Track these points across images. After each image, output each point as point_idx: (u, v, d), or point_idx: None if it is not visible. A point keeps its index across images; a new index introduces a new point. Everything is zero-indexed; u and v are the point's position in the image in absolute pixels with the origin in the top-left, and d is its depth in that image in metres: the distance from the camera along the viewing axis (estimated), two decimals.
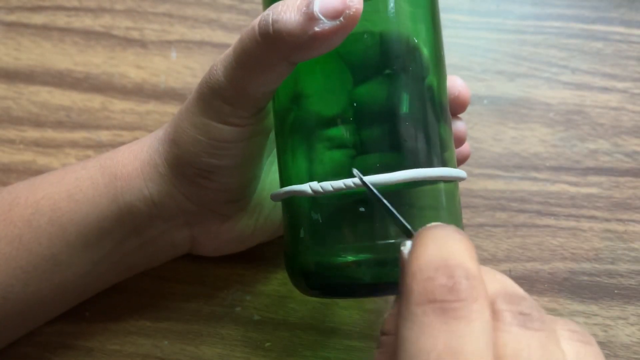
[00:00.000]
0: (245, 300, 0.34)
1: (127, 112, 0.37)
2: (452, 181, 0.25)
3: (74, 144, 0.37)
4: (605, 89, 0.38)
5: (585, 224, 0.35)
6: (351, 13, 0.22)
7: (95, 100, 0.37)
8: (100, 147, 0.37)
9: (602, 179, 0.36)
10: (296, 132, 0.25)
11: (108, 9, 0.39)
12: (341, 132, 0.24)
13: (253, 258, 0.33)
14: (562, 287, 0.34)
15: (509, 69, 0.38)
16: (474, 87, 0.38)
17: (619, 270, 0.34)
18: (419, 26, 0.25)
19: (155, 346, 0.33)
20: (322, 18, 0.22)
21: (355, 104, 0.24)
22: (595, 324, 0.33)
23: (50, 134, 0.37)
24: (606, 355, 0.33)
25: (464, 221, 0.35)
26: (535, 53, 0.38)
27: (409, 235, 0.20)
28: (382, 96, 0.24)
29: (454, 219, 0.26)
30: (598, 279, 0.34)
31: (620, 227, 0.35)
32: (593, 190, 0.36)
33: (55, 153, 0.37)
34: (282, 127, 0.26)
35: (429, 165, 0.24)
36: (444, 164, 0.25)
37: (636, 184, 0.36)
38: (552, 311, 0.34)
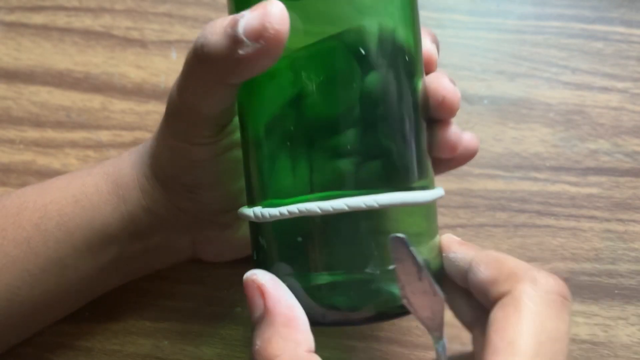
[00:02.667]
0: (245, 300, 0.34)
1: (127, 112, 0.37)
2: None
3: (73, 144, 0.37)
4: (605, 89, 0.37)
5: (585, 224, 0.35)
6: (271, 35, 0.20)
7: (95, 100, 0.37)
8: (100, 147, 0.37)
9: (603, 179, 0.36)
10: (272, 135, 0.24)
11: (108, 9, 0.39)
12: (340, 135, 0.23)
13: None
14: None
15: (509, 69, 0.38)
16: (474, 87, 0.38)
17: (619, 270, 0.34)
18: (409, 17, 0.24)
19: (156, 346, 0.33)
20: (246, 40, 0.20)
21: (344, 102, 0.22)
22: (596, 324, 0.33)
23: (50, 134, 0.37)
24: (606, 356, 0.33)
25: (465, 221, 0.35)
26: (535, 53, 0.38)
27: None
28: (372, 94, 0.23)
29: (430, 225, 0.25)
30: (598, 279, 0.34)
31: (620, 227, 0.35)
32: (593, 190, 0.36)
33: (55, 153, 0.37)
34: (258, 137, 0.24)
35: (410, 183, 0.23)
36: (424, 180, 0.24)
37: (636, 184, 0.36)
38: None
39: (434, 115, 0.25)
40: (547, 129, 0.37)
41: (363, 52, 0.23)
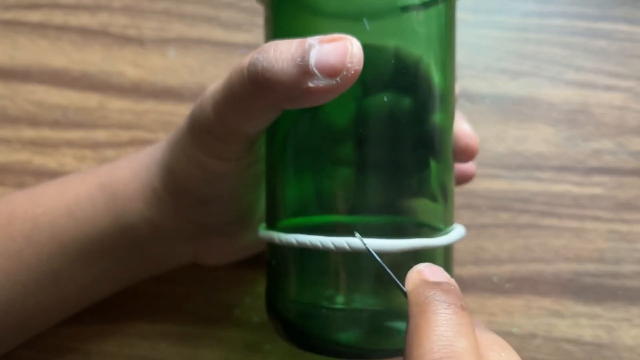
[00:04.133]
0: (244, 302, 0.33)
1: (125, 111, 0.37)
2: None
3: (70, 143, 0.36)
4: (609, 88, 0.37)
5: (589, 225, 0.35)
6: (349, 75, 0.20)
7: (92, 99, 0.37)
8: (98, 146, 0.36)
9: (606, 179, 0.36)
10: (294, 155, 0.24)
11: (105, 6, 0.39)
12: (337, 152, 0.23)
13: (252, 260, 0.33)
14: (566, 289, 0.34)
15: (512, 67, 0.37)
16: (477, 85, 0.37)
17: (623, 271, 0.34)
18: (434, 54, 0.24)
19: (153, 348, 0.33)
20: (318, 74, 0.20)
21: (357, 124, 0.23)
22: (599, 326, 0.33)
23: (46, 133, 0.37)
24: (610, 357, 0.32)
25: (467, 222, 0.35)
26: (538, 51, 0.38)
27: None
28: (389, 119, 0.22)
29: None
30: (602, 280, 0.34)
31: (624, 228, 0.35)
32: (597, 190, 0.35)
33: (52, 152, 0.36)
34: (285, 154, 0.24)
35: (436, 230, 0.23)
36: (446, 222, 0.24)
37: None
38: (555, 312, 0.33)
39: (454, 159, 0.26)
40: (550, 129, 0.36)
41: (387, 72, 0.22)
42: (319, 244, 0.22)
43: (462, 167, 0.28)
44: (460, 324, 0.18)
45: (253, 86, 0.21)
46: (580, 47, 0.38)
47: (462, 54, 0.38)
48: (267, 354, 0.33)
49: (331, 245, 0.21)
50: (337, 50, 0.20)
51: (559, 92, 0.37)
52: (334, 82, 0.20)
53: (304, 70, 0.20)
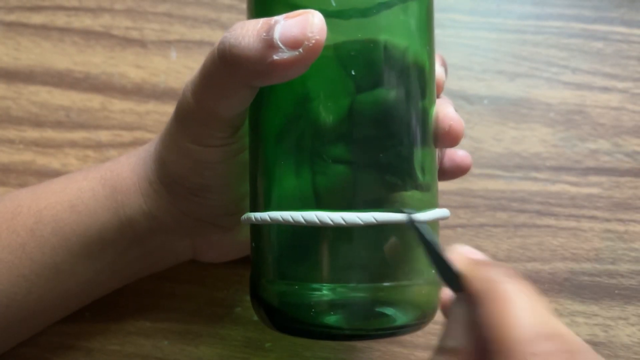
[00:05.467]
0: (245, 300, 0.34)
1: (127, 112, 0.37)
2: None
3: (73, 144, 0.37)
4: (605, 89, 0.37)
5: (585, 224, 0.35)
6: (311, 44, 0.20)
7: (94, 100, 0.37)
8: (100, 147, 0.37)
9: (603, 179, 0.36)
10: (282, 146, 0.24)
11: (108, 8, 0.39)
12: (338, 147, 0.23)
13: None
14: (563, 288, 0.34)
15: (510, 68, 0.38)
16: (474, 87, 0.37)
17: (620, 270, 0.34)
18: (423, 41, 0.24)
19: (156, 346, 0.33)
20: (282, 46, 0.21)
21: (352, 116, 0.23)
22: (596, 324, 0.33)
23: (49, 134, 0.37)
24: (607, 356, 0.33)
25: (465, 221, 0.35)
26: (535, 53, 0.38)
27: (455, 287, 0.19)
28: (377, 112, 0.23)
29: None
30: (598, 279, 0.34)
31: (620, 227, 0.35)
32: (593, 190, 0.36)
33: (54, 153, 0.37)
34: (268, 141, 0.24)
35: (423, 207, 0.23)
36: (433, 199, 0.24)
37: (636, 184, 0.36)
38: (552, 311, 0.34)
39: (437, 143, 0.25)
40: (547, 129, 0.37)
41: (374, 66, 0.23)
42: (290, 218, 0.22)
43: (456, 158, 0.28)
44: (539, 299, 0.18)
45: (222, 64, 0.22)
46: (577, 48, 0.38)
47: (460, 55, 0.38)
48: (268, 352, 0.33)
49: (302, 220, 0.22)
50: (299, 23, 0.21)
51: (556, 93, 0.37)
52: (297, 54, 0.21)
53: (269, 44, 0.21)
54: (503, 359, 0.17)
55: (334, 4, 0.22)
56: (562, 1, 0.39)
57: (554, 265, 0.34)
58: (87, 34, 0.39)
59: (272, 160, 0.24)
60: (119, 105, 0.37)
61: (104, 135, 0.37)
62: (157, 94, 0.38)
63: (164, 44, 0.38)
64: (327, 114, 0.23)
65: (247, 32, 0.21)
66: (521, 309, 0.17)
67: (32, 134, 0.37)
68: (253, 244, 0.25)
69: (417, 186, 0.23)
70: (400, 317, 0.23)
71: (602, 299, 0.34)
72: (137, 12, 0.39)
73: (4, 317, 0.28)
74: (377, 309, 0.22)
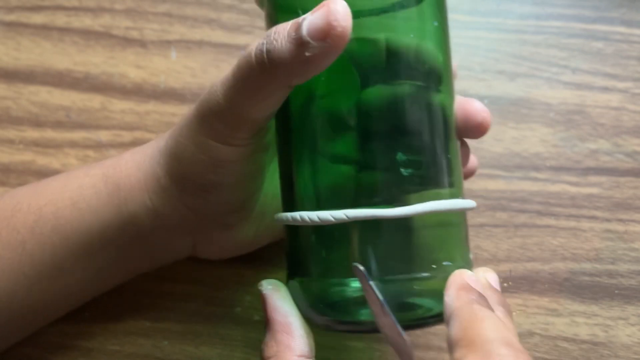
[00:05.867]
0: (245, 300, 0.34)
1: (127, 112, 0.37)
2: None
3: (73, 144, 0.37)
4: (605, 89, 0.37)
5: (585, 224, 0.35)
6: (337, 32, 0.21)
7: (94, 100, 0.37)
8: (100, 147, 0.37)
9: (603, 179, 0.36)
10: (308, 143, 0.24)
11: (108, 8, 0.39)
12: (349, 143, 0.23)
13: (253, 258, 0.33)
14: (563, 288, 0.34)
15: (510, 68, 0.38)
16: (475, 87, 0.38)
17: (620, 270, 0.34)
18: (436, 39, 0.25)
19: (155, 346, 0.33)
20: (311, 41, 0.21)
21: (363, 112, 0.23)
22: (596, 324, 0.33)
23: (49, 134, 0.37)
24: (607, 356, 0.33)
25: None
26: (535, 53, 0.38)
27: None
28: (392, 106, 0.23)
29: (461, 248, 0.25)
30: (598, 279, 0.34)
31: (620, 227, 0.35)
32: (593, 190, 0.36)
33: (54, 153, 0.37)
34: (293, 140, 0.25)
35: (443, 195, 0.24)
36: (455, 194, 0.24)
37: (637, 184, 0.36)
38: (552, 311, 0.34)
39: (466, 135, 0.27)
40: (547, 129, 0.37)
41: (390, 62, 0.23)
42: (307, 219, 0.23)
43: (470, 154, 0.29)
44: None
45: (261, 68, 0.22)
46: (577, 48, 0.38)
47: (461, 55, 0.38)
48: None
49: (289, 219, 0.23)
50: (322, 13, 0.21)
51: (556, 93, 0.37)
52: (326, 44, 0.21)
53: (299, 42, 0.21)
54: (472, 354, 0.19)
55: (301, 13, 0.22)
56: (562, 1, 0.39)
57: (554, 265, 0.34)
58: (87, 34, 0.39)
59: (305, 159, 0.24)
60: (119, 105, 0.37)
61: (104, 135, 0.37)
62: (157, 94, 0.38)
63: (164, 44, 0.38)
64: (344, 112, 0.24)
65: (279, 35, 0.22)
66: (490, 324, 0.20)
67: (32, 134, 0.37)
68: (287, 244, 0.26)
69: (445, 179, 0.24)
70: (435, 306, 0.23)
71: (602, 299, 0.34)
72: (137, 12, 0.39)
73: (4, 314, 0.28)
74: (411, 301, 0.23)
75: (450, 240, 0.24)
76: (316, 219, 0.23)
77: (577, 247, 0.35)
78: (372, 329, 0.23)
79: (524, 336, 0.33)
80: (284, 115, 0.25)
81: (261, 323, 0.33)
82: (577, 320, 0.33)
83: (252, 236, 0.30)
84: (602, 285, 0.34)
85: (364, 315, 0.23)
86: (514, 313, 0.34)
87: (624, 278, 0.34)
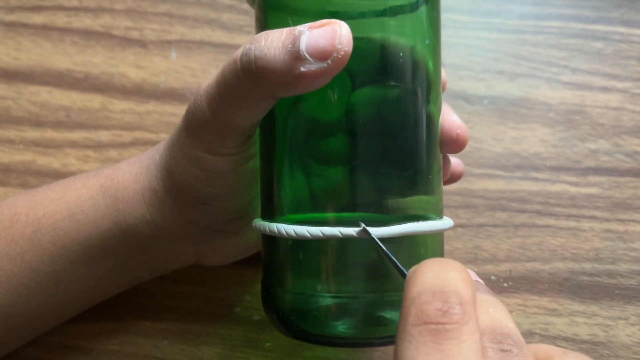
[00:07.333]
0: (245, 300, 0.34)
1: (127, 112, 0.37)
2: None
3: (73, 144, 0.37)
4: (605, 89, 0.37)
5: (585, 224, 0.35)
6: (340, 56, 0.21)
7: (95, 100, 0.37)
8: (100, 147, 0.37)
9: (603, 179, 0.36)
10: (291, 146, 0.24)
11: (108, 8, 0.39)
12: (335, 147, 0.23)
13: (253, 259, 0.33)
14: (563, 287, 0.34)
15: (509, 68, 0.38)
16: (475, 87, 0.38)
17: (619, 270, 0.34)
18: (427, 47, 0.24)
19: (155, 346, 0.33)
20: (309, 58, 0.21)
21: (350, 117, 0.23)
22: (596, 324, 0.33)
23: (50, 134, 0.37)
24: (606, 356, 0.33)
25: (465, 221, 0.35)
26: (535, 53, 0.38)
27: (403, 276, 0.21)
28: (380, 111, 0.23)
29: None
30: (598, 279, 0.34)
31: (620, 227, 0.35)
32: (593, 190, 0.36)
33: (55, 153, 0.37)
34: (276, 143, 0.25)
35: (420, 216, 0.23)
36: (435, 203, 0.24)
37: (636, 184, 0.36)
38: (552, 311, 0.34)
39: (443, 150, 0.26)
40: (547, 129, 0.37)
41: (379, 68, 0.23)
42: (284, 232, 0.22)
43: (451, 166, 0.29)
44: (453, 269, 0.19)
45: (247, 76, 0.22)
46: (577, 48, 0.38)
47: (460, 55, 0.38)
48: (268, 351, 0.33)
49: (267, 230, 0.22)
50: (327, 34, 0.21)
51: (556, 93, 0.37)
52: (325, 65, 0.21)
53: (296, 56, 0.21)
54: (402, 307, 0.18)
55: (291, 23, 0.22)
56: (562, 1, 0.39)
57: (553, 265, 0.34)
58: (87, 34, 0.39)
59: (288, 169, 0.24)
60: (119, 105, 0.37)
61: (104, 135, 0.37)
62: (157, 94, 0.38)
63: (164, 44, 0.38)
64: (336, 116, 0.23)
65: (272, 43, 0.21)
66: (432, 272, 0.19)
67: (32, 134, 0.37)
68: (267, 253, 0.25)
69: (425, 189, 0.24)
70: None
71: (602, 299, 0.34)
72: (137, 12, 0.39)
73: (3, 324, 0.28)
74: (381, 317, 0.23)
75: (427, 257, 0.24)
76: (293, 233, 0.22)
77: (577, 247, 0.35)
78: (344, 343, 0.23)
79: (524, 336, 0.33)
80: (268, 118, 0.25)
81: (261, 323, 0.33)
82: (577, 320, 0.33)
83: (255, 240, 0.30)
84: (602, 285, 0.34)
85: (337, 328, 0.23)
86: (513, 313, 0.34)
87: (623, 278, 0.34)
